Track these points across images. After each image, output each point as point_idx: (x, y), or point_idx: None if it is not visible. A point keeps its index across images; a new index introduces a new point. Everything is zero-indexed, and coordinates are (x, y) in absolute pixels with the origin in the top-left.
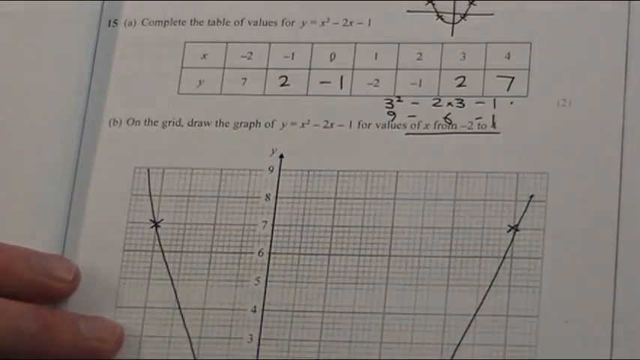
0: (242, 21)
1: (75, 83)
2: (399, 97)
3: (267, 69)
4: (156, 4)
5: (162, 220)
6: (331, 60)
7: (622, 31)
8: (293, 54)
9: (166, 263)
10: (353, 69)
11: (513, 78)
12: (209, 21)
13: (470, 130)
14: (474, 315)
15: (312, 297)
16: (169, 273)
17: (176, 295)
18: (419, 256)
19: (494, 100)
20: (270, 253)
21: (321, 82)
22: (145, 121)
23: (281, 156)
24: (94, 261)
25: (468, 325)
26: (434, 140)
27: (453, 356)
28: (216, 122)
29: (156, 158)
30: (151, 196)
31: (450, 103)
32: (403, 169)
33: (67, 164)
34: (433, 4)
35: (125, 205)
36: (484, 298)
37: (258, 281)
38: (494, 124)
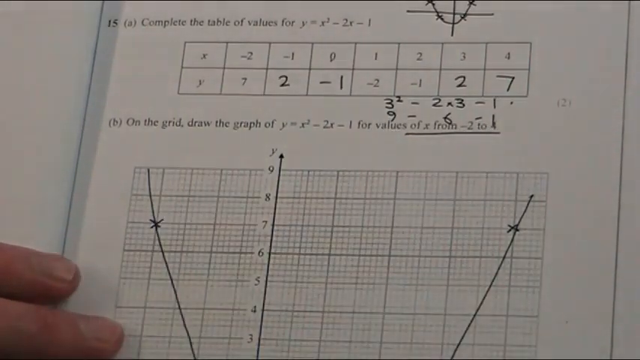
0: (242, 21)
1: (75, 83)
2: (399, 97)
3: (267, 69)
4: (156, 4)
5: (162, 220)
6: (331, 60)
7: (622, 31)
8: (293, 54)
9: (166, 263)
10: (353, 69)
11: (513, 78)
12: (209, 21)
13: (470, 130)
14: (474, 315)
15: (312, 297)
16: (169, 273)
17: (176, 295)
18: (419, 256)
19: (494, 100)
20: (270, 253)
21: (321, 82)
22: (145, 121)
23: (281, 156)
24: (94, 261)
25: (468, 325)
26: (434, 140)
27: (453, 356)
28: (216, 122)
29: (156, 158)
30: (150, 196)
31: (450, 103)
32: (403, 169)
33: (67, 164)
34: (433, 4)
35: (125, 205)
36: (484, 298)
37: (258, 281)
38: (494, 124)
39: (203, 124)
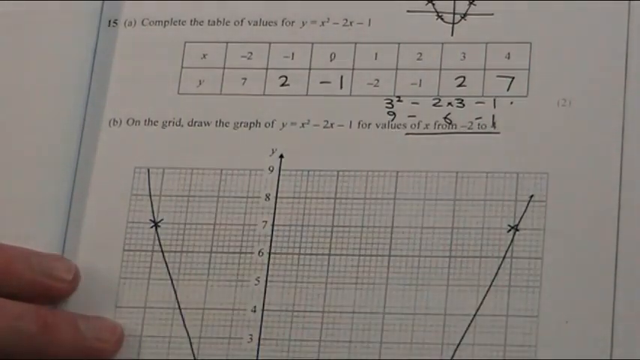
0: (242, 21)
1: (75, 83)
2: (399, 97)
3: (267, 69)
4: (156, 4)
5: (162, 220)
6: (331, 60)
7: (622, 31)
8: (293, 54)
9: (166, 263)
10: (353, 69)
11: (513, 78)
12: (209, 21)
13: (470, 130)
14: (474, 315)
15: (312, 297)
16: (169, 273)
17: (176, 295)
18: (419, 256)
19: (494, 100)
20: (270, 253)
21: (321, 82)
22: (145, 121)
23: (281, 156)
24: (94, 261)
25: (468, 325)
26: (434, 140)
27: (453, 356)
28: (216, 122)
29: (156, 158)
30: (150, 196)
31: (450, 103)
32: (403, 169)
33: (67, 164)
34: (433, 4)
35: (125, 205)
36: (484, 298)
37: (258, 281)
38: (494, 124)
39: (203, 124)
